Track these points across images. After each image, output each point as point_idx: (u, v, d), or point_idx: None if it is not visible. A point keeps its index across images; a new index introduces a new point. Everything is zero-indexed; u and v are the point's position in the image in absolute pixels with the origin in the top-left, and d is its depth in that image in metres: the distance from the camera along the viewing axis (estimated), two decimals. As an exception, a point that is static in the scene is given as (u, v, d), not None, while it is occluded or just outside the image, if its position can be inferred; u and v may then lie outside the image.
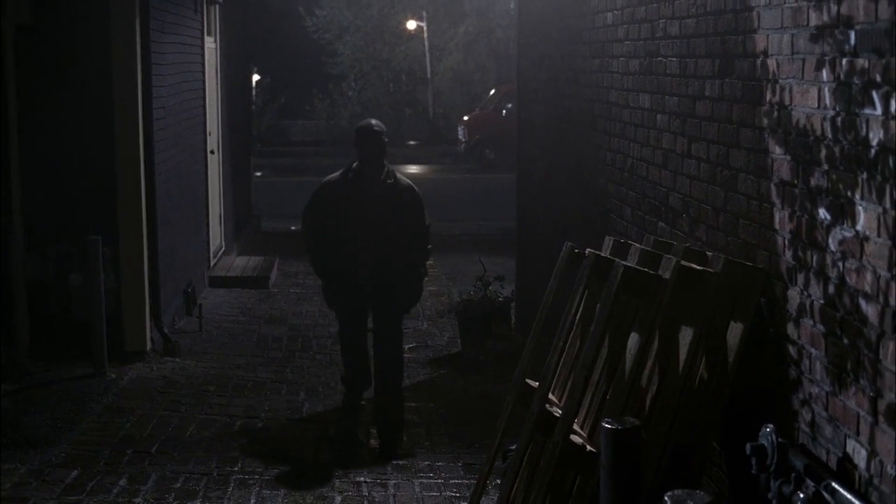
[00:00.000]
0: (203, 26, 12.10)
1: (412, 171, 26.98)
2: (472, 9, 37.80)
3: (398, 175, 7.36)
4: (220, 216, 13.52)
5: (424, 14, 38.76)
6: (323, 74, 41.35)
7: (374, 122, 7.37)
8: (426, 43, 39.19)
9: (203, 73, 12.07)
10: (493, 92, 32.58)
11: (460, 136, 31.59)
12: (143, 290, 9.13)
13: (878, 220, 3.47)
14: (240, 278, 12.65)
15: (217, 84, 13.21)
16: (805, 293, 4.03)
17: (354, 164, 7.30)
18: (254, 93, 38.76)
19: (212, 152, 12.70)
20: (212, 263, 12.74)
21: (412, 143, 36.60)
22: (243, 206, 15.91)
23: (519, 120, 10.25)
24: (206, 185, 12.38)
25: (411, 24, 39.29)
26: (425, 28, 38.86)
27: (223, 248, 13.61)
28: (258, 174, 25.74)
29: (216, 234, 13.20)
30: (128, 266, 9.05)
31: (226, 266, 13.16)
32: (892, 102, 3.38)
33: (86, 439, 7.16)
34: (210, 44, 12.74)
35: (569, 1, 8.05)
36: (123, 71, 8.87)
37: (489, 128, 29.79)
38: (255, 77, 39.70)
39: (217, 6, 13.16)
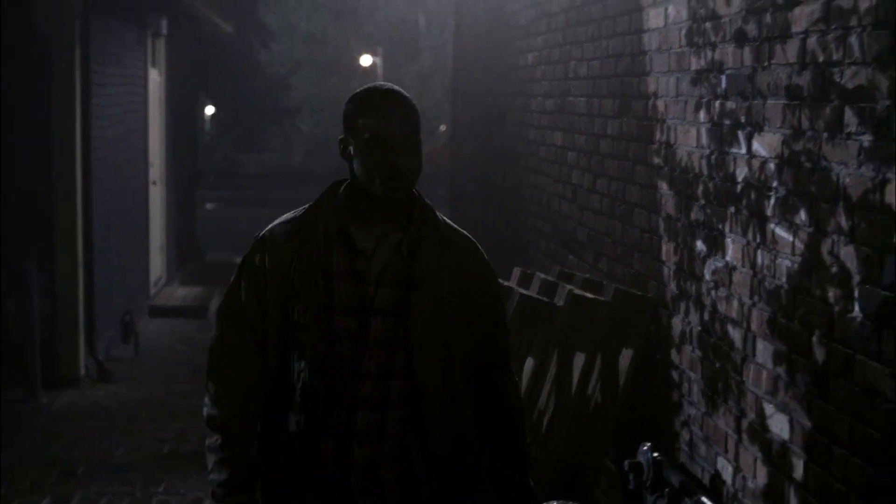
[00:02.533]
0: (147, 58, 12.28)
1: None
2: (427, 45, 38.22)
3: (442, 217, 3.03)
4: (163, 246, 13.65)
5: (380, 50, 39.15)
6: (277, 108, 41.62)
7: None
8: (381, 78, 39.56)
9: (146, 104, 12.24)
10: (443, 128, 32.87)
11: (410, 172, 31.76)
12: (77, 317, 9.25)
13: (743, 252, 3.74)
14: (179, 308, 12.76)
15: (161, 115, 13.37)
16: (686, 320, 4.29)
17: (342, 189, 3.08)
18: (207, 126, 39.03)
19: (154, 183, 12.85)
20: (152, 293, 12.85)
21: (364, 178, 36.74)
22: (187, 237, 16.02)
23: (452, 157, 10.52)
24: (147, 216, 12.52)
25: (366, 60, 39.66)
26: (380, 64, 39.23)
27: (164, 279, 13.73)
28: (209, 206, 25.87)
29: (157, 264, 13.32)
30: (63, 293, 9.17)
31: (166, 296, 13.27)
32: (754, 142, 3.65)
33: (13, 461, 7.27)
34: (155, 76, 12.92)
35: (495, 43, 8.33)
36: (62, 100, 9.02)
37: (438, 164, 30.03)
38: (210, 110, 39.96)
39: (163, 38, 13.34)
